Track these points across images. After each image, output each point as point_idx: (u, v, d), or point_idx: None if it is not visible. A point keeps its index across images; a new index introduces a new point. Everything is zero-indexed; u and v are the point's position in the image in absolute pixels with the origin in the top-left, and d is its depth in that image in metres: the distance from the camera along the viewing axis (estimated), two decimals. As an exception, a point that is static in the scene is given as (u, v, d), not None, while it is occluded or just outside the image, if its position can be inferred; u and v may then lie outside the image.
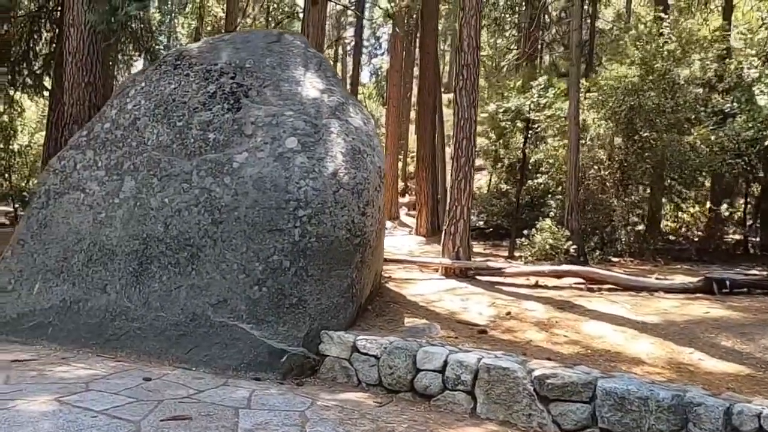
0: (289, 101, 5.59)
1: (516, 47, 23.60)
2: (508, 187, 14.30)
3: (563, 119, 11.80)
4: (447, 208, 7.87)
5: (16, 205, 18.90)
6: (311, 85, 5.85)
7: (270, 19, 28.10)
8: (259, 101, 5.57)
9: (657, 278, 7.89)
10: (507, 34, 26.54)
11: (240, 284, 4.88)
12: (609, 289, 7.13)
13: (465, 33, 7.83)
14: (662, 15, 11.93)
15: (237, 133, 5.38)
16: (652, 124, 10.34)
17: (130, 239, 5.24)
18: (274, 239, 4.91)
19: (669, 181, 10.87)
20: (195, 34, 22.35)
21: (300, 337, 4.74)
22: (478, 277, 7.65)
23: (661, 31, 11.11)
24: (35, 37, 14.67)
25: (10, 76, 14.34)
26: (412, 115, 25.32)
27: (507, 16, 25.19)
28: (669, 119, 10.19)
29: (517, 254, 11.75)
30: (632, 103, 10.25)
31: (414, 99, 27.07)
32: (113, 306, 5.12)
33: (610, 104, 10.57)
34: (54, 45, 14.73)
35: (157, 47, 15.72)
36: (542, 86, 12.19)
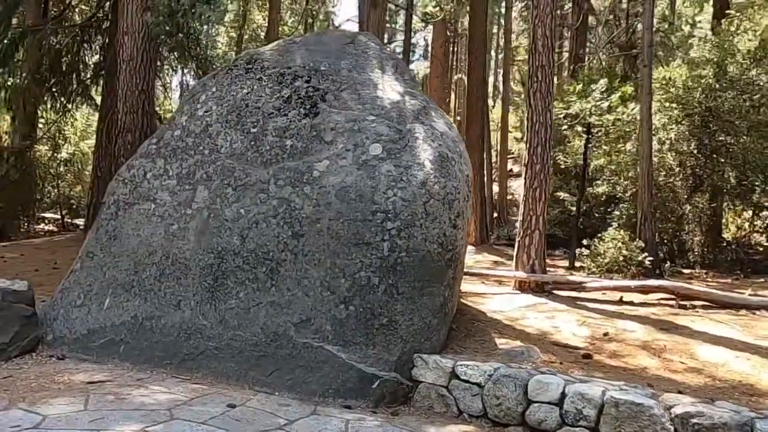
0: (368, 105, 5.24)
1: (559, 50, 22.99)
2: (565, 195, 13.71)
3: (629, 123, 11.21)
4: (521, 218, 7.41)
5: (64, 212, 19.13)
6: (390, 88, 5.49)
7: (308, 27, 28.06)
8: (337, 106, 5.24)
9: (750, 294, 7.26)
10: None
11: (324, 302, 4.53)
12: (703, 307, 6.55)
13: (539, 33, 7.39)
14: (732, 12, 11.27)
15: (316, 140, 5.04)
16: (730, 126, 9.68)
17: (204, 252, 4.95)
18: (361, 254, 4.54)
19: (750, 186, 10.15)
20: (237, 43, 22.41)
21: (392, 361, 4.35)
22: (556, 292, 7.15)
23: (735, 29, 10.45)
24: (85, 47, 14.77)
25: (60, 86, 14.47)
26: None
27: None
28: (750, 121, 9.52)
29: (577, 265, 11.19)
30: (709, 104, 9.61)
31: (451, 105, 26.65)
32: (188, 324, 4.83)
33: (684, 107, 9.94)
34: (103, 54, 14.83)
35: (203, 55, 15.71)
36: (604, 89, 11.62)
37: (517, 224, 7.46)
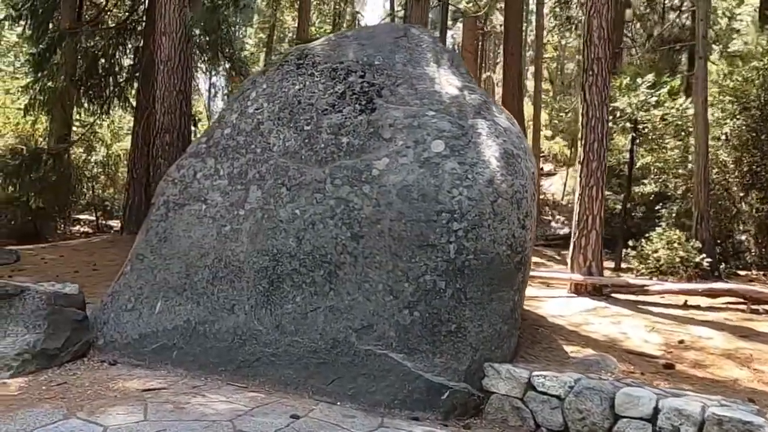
0: (426, 100, 4.99)
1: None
2: (609, 193, 13.27)
3: (680, 118, 10.76)
4: (576, 218, 7.08)
5: (98, 214, 19.30)
6: (447, 82, 5.24)
7: (335, 27, 27.96)
8: (394, 101, 5.00)
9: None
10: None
11: (387, 307, 4.30)
12: (777, 312, 6.15)
13: (595, 24, 7.05)
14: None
15: (374, 137, 4.82)
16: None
17: (258, 255, 4.76)
18: (426, 256, 4.30)
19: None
20: (267, 44, 22.41)
21: (461, 370, 4.09)
22: (614, 295, 6.81)
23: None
24: (120, 49, 14.83)
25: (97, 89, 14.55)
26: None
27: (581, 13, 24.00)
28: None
29: (624, 266, 10.79)
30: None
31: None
32: (242, 329, 4.64)
33: (740, 100, 9.47)
34: (138, 57, 14.86)
35: (236, 56, 15.66)
36: (650, 83, 11.20)
37: (573, 224, 7.13)
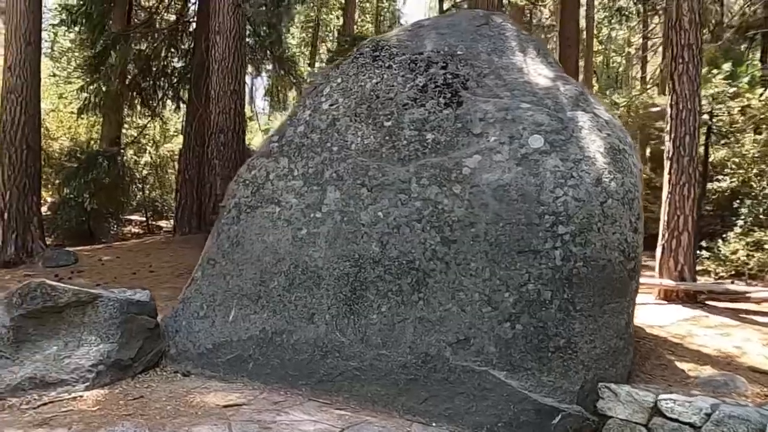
0: (517, 92, 4.57)
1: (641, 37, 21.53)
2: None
3: (761, 110, 9.98)
4: (665, 218, 6.53)
5: (148, 214, 19.50)
6: (537, 73, 4.81)
7: (378, 25, 27.69)
8: (482, 93, 4.60)
9: None
10: (633, 24, 24.25)
11: (485, 319, 3.91)
12: None
13: (685, 6, 6.48)
14: None
15: (462, 132, 4.43)
16: None
17: (338, 260, 4.44)
18: (528, 263, 3.89)
19: None
20: (312, 42, 22.28)
21: (573, 391, 3.67)
22: (710, 303, 6.23)
23: None
24: (172, 51, 14.87)
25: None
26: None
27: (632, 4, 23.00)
28: None
29: (699, 268, 10.07)
30: None
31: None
32: (323, 340, 4.33)
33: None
34: (189, 58, 14.87)
35: (286, 56, 15.52)
36: (728, 73, 10.44)
37: (660, 225, 6.58)
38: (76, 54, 22.57)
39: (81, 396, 3.97)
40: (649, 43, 23.56)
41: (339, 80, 5.11)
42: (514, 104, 4.44)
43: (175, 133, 22.18)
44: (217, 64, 10.38)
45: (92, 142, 18.80)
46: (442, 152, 4.41)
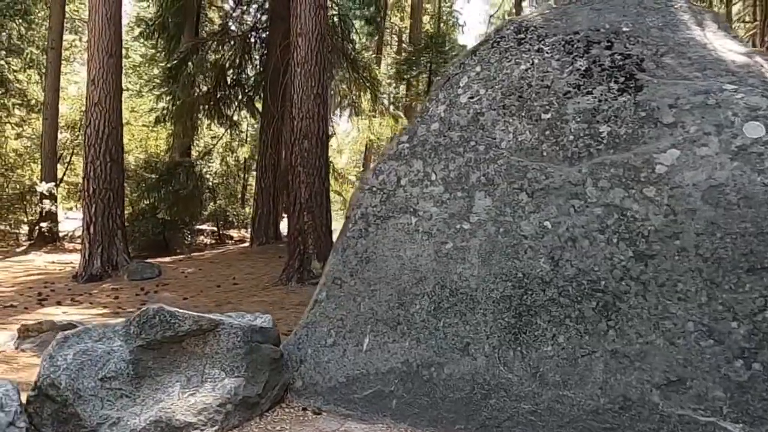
0: (710, 71, 3.74)
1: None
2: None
3: None
4: None
5: (220, 223, 19.45)
6: (725, 48, 3.96)
7: (440, 26, 26.99)
8: (664, 75, 3.80)
9: None
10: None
11: (706, 356, 3.09)
12: None
13: None
14: None
15: (647, 123, 3.64)
16: None
17: (496, 280, 3.72)
18: (762, 284, 3.05)
19: None
20: (378, 44, 21.84)
21: None
22: None
23: None
24: (246, 59, 14.67)
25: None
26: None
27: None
28: None
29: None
30: None
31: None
32: (483, 375, 3.62)
33: None
34: (263, 65, 14.62)
35: (359, 58, 15.04)
36: None
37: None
38: (147, 68, 22.96)
39: (211, 442, 3.42)
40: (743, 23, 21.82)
41: (478, 69, 4.41)
42: (714, 86, 3.61)
43: (240, 143, 22.15)
44: (300, 67, 9.94)
45: (163, 153, 18.92)
46: (623, 148, 3.63)
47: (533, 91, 4.08)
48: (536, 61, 4.20)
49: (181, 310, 3.95)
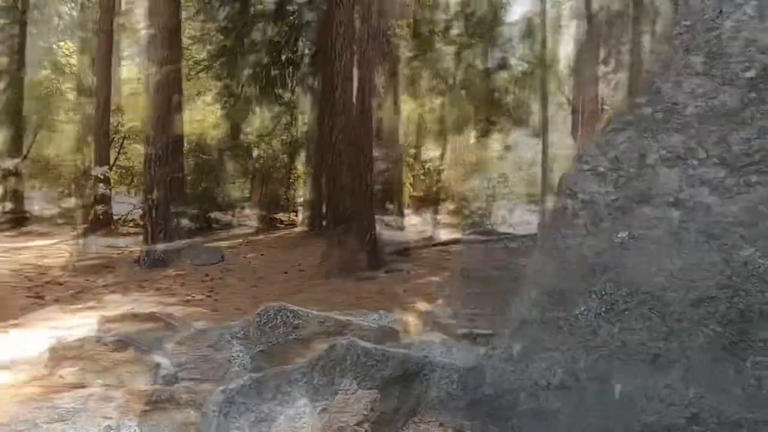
0: None
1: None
2: None
3: None
4: None
5: (271, 205, 19.06)
6: None
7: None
8: None
9: None
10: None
11: None
12: None
13: None
14: None
15: None
16: None
17: None
18: None
19: None
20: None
21: None
22: None
23: None
24: (302, 37, 14.13)
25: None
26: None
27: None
28: None
29: None
30: None
31: None
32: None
33: None
34: (318, 45, 14.04)
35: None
36: None
37: None
38: (193, 49, 22.62)
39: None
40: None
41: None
42: None
43: (286, 125, 21.69)
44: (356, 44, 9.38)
45: (216, 134, 18.58)
46: None
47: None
48: None
49: (303, 309, 3.40)
